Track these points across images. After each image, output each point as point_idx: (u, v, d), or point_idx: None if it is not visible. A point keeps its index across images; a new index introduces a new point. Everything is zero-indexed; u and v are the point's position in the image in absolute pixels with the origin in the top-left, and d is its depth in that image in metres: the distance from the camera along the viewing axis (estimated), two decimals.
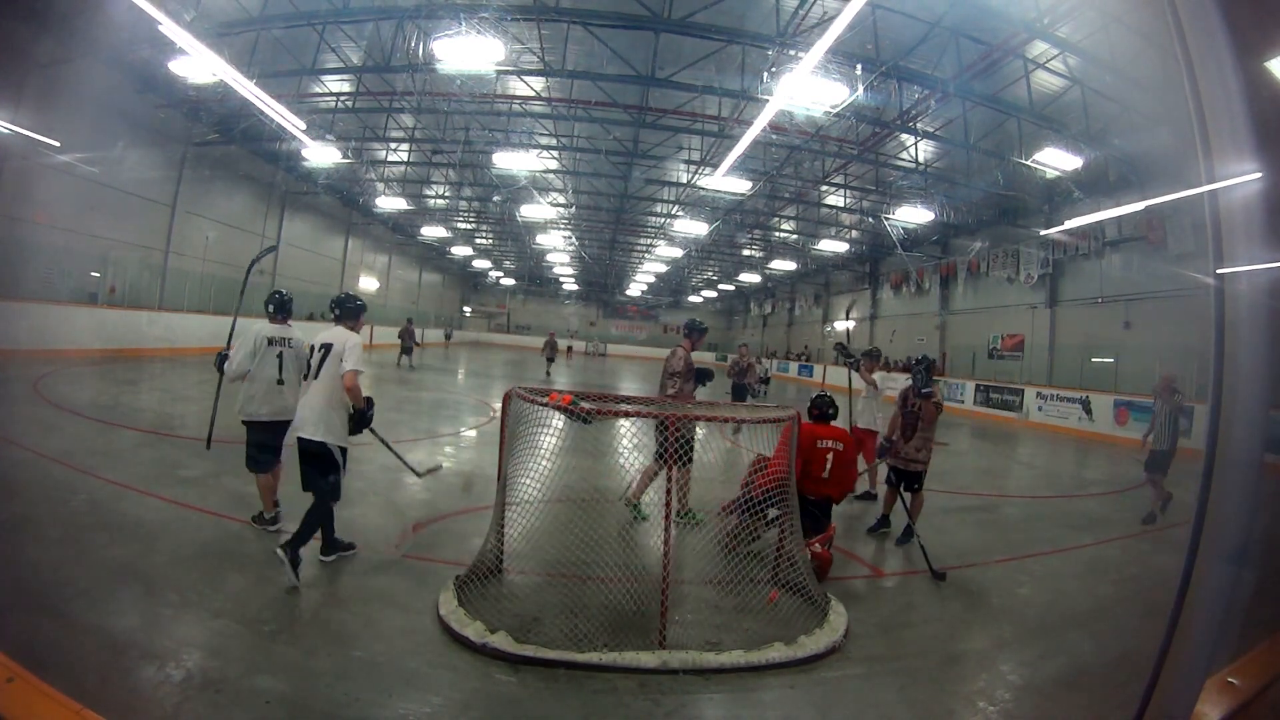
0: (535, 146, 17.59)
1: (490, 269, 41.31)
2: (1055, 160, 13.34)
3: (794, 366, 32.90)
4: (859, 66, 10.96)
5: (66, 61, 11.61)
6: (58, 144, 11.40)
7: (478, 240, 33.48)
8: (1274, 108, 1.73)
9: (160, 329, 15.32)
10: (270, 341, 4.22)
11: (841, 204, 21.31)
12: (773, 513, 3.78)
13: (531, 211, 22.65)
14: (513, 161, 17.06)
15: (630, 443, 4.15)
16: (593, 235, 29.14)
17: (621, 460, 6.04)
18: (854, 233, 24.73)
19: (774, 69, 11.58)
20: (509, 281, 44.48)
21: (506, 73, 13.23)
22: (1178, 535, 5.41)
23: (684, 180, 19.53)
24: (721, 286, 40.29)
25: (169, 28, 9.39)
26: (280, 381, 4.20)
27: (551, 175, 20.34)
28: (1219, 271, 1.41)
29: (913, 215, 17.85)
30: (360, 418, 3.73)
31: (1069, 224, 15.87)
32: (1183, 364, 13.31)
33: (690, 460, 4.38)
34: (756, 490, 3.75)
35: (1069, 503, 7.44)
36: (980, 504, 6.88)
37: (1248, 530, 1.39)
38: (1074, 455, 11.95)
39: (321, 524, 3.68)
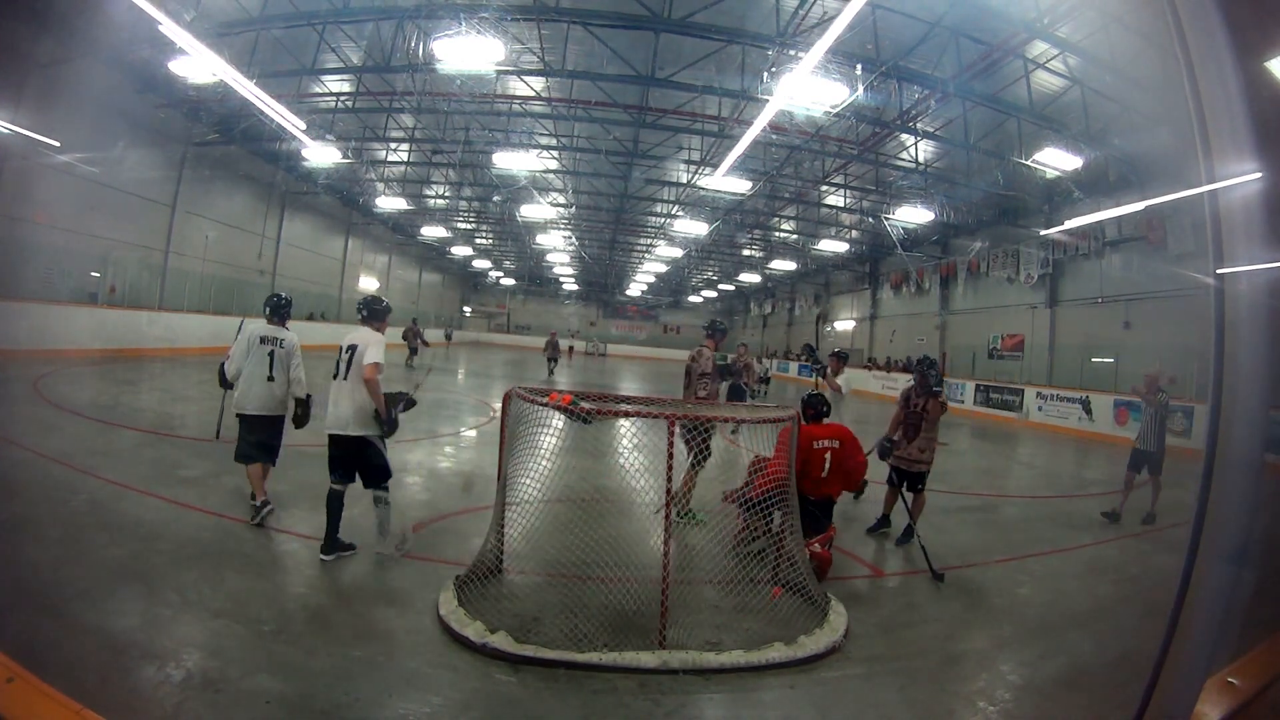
0: (535, 146, 17.58)
1: (490, 269, 41.31)
2: (1055, 160, 13.34)
3: (794, 366, 32.90)
4: (859, 66, 10.96)
5: (66, 61, 11.60)
6: (58, 144, 11.40)
7: (478, 240, 33.48)
8: (1274, 108, 1.73)
9: (160, 329, 15.33)
10: (262, 340, 4.41)
11: (841, 204, 21.31)
12: (777, 518, 3.78)
13: (531, 211, 22.65)
14: (513, 161, 17.06)
15: (630, 443, 4.14)
16: (593, 235, 29.13)
17: (621, 460, 6.05)
18: (854, 233, 24.73)
19: (774, 69, 11.57)
20: (509, 281, 44.48)
21: (506, 73, 13.23)
22: (1178, 535, 5.41)
23: (684, 180, 19.53)
24: (721, 286, 40.27)
25: (169, 28, 9.39)
26: (270, 378, 4.38)
27: (551, 175, 20.33)
28: (1219, 271, 1.41)
29: (913, 215, 17.85)
30: (387, 420, 3.86)
31: (1069, 224, 15.86)
32: (1183, 364, 13.36)
33: (704, 461, 4.44)
34: (756, 491, 3.76)
35: (1069, 503, 7.44)
36: (980, 504, 6.87)
37: (1248, 530, 1.38)
38: (1074, 455, 11.95)
39: (328, 521, 3.82)
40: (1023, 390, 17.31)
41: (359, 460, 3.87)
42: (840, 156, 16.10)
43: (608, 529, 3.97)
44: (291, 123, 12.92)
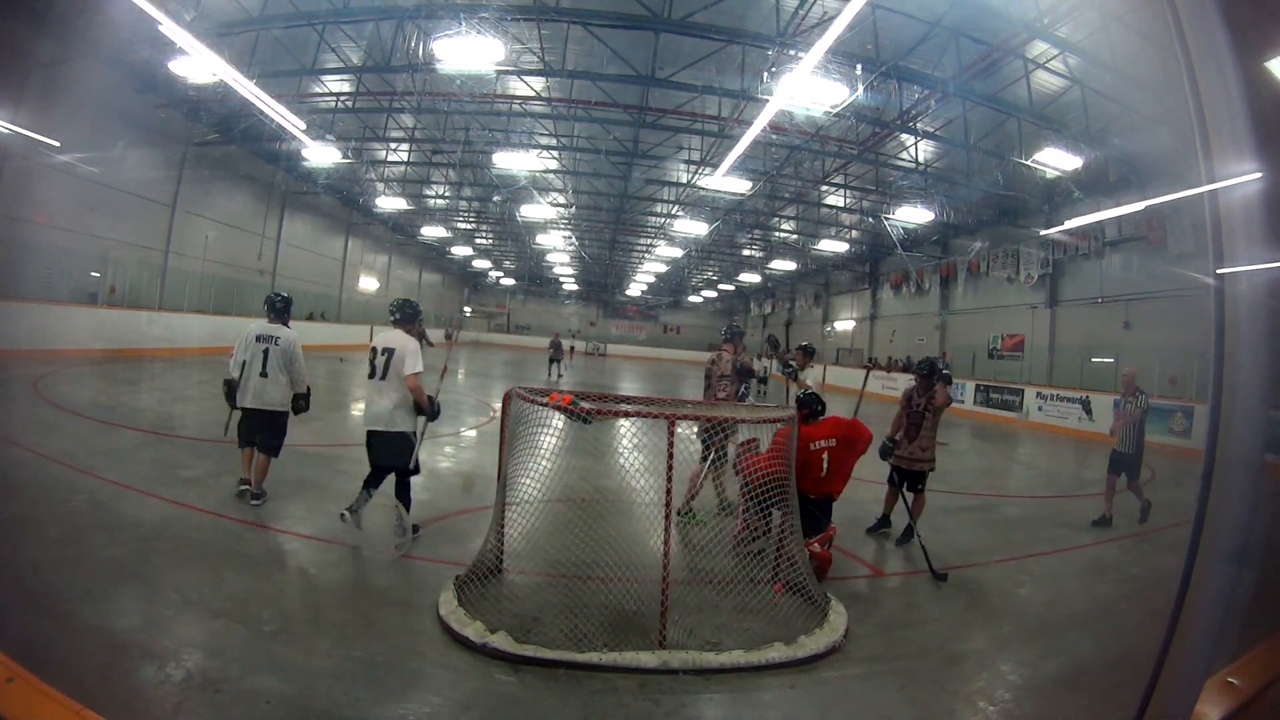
0: (535, 146, 17.58)
1: (490, 269, 41.29)
2: (1055, 160, 13.34)
3: None
4: (859, 66, 10.96)
5: (66, 61, 11.59)
6: (58, 144, 11.39)
7: (478, 240, 33.49)
8: (1274, 108, 1.73)
9: (160, 329, 15.32)
10: (259, 338, 4.63)
11: (841, 204, 21.31)
12: (777, 517, 3.78)
13: (531, 211, 22.66)
14: (513, 161, 17.07)
15: (630, 443, 4.14)
16: (593, 235, 29.14)
17: (621, 460, 6.05)
18: (854, 233, 24.73)
19: (774, 69, 11.57)
20: (509, 281, 44.48)
21: (506, 73, 13.23)
22: (1178, 535, 5.40)
23: (684, 180, 19.53)
24: (721, 286, 40.29)
25: (169, 28, 9.39)
26: (264, 374, 4.60)
27: (551, 175, 20.34)
28: (1219, 271, 1.41)
29: (913, 215, 17.86)
30: (430, 413, 4.18)
31: (1069, 224, 15.87)
32: (1183, 364, 13.36)
33: (719, 463, 4.49)
34: (747, 471, 3.75)
35: (1069, 503, 7.43)
36: (980, 504, 6.87)
37: (1248, 530, 1.38)
38: (1074, 455, 11.94)
39: (401, 501, 4.13)
40: (1023, 390, 17.32)
41: (392, 453, 4.12)
42: (840, 156, 16.10)
43: (608, 529, 3.97)
44: (291, 123, 12.92)
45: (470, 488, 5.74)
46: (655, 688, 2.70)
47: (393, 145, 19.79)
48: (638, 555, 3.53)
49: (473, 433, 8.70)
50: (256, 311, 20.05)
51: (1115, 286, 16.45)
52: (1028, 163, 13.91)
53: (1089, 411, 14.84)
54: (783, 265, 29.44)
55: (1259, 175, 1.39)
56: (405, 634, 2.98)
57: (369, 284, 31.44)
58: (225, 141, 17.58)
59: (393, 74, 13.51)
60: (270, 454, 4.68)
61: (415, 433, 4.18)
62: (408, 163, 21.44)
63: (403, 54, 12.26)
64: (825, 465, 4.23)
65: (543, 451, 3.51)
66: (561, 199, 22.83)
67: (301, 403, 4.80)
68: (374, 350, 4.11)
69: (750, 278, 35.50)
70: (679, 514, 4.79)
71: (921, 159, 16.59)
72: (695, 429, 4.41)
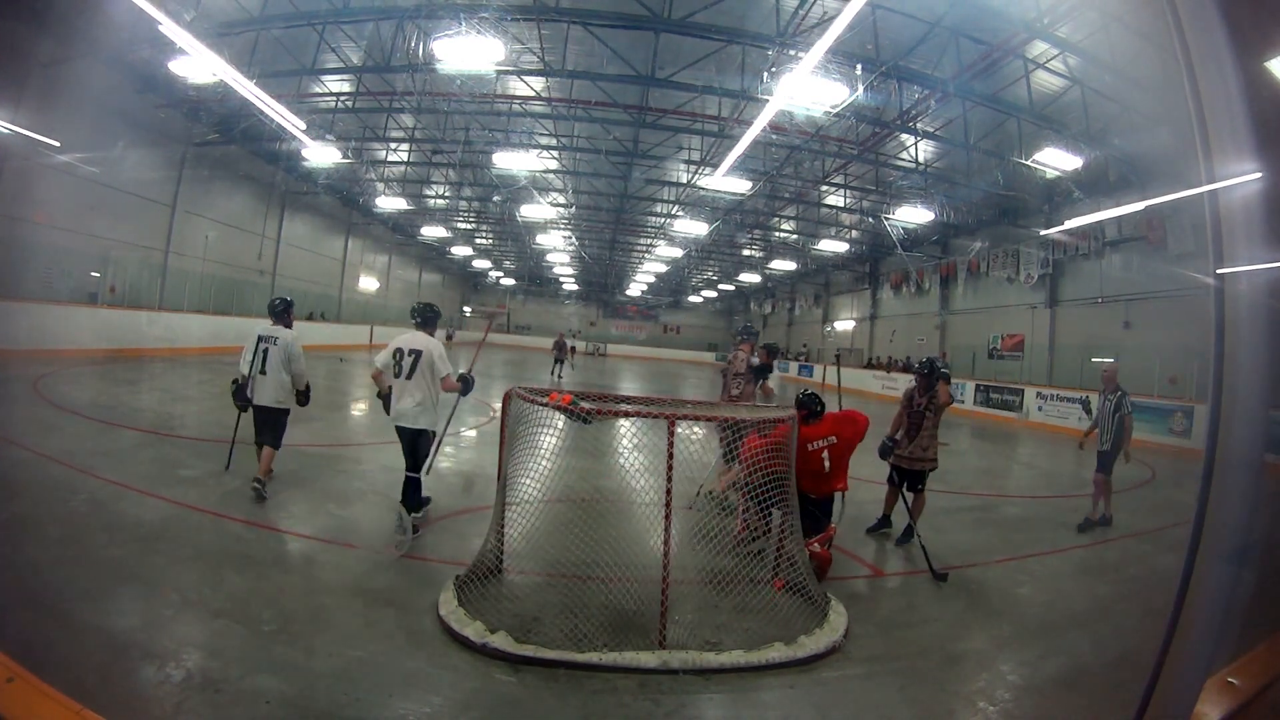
0: (535, 146, 17.58)
1: (490, 269, 41.28)
2: (1055, 160, 13.34)
3: (794, 366, 32.92)
4: (859, 66, 10.96)
5: (66, 61, 11.60)
6: (58, 144, 11.40)
7: (478, 240, 33.48)
8: (1274, 108, 1.73)
9: (160, 329, 15.32)
10: (261, 339, 4.93)
11: (841, 204, 21.31)
12: (777, 517, 3.78)
13: (531, 211, 22.66)
14: (513, 161, 17.06)
15: (630, 443, 4.14)
16: (593, 235, 29.14)
17: (621, 460, 6.05)
18: (854, 233, 24.73)
19: (774, 69, 11.57)
20: (509, 281, 44.47)
21: (506, 73, 13.23)
22: (1178, 535, 5.40)
23: (684, 180, 19.53)
24: (721, 286, 40.29)
25: (169, 28, 9.39)
26: (263, 372, 4.90)
27: (551, 175, 20.34)
28: (1219, 271, 1.41)
29: (913, 215, 17.86)
30: (465, 390, 4.59)
31: (1069, 224, 15.87)
32: (1183, 364, 13.36)
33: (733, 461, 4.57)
34: (745, 455, 3.74)
35: (1069, 503, 7.42)
36: (980, 504, 6.88)
37: (1248, 530, 1.38)
38: (1074, 455, 11.93)
39: (406, 495, 4.43)
40: (1023, 390, 17.32)
41: (414, 446, 4.42)
42: (840, 156, 16.10)
43: (608, 529, 3.97)
44: (291, 123, 12.93)
45: (470, 488, 5.74)
46: (655, 688, 2.70)
47: (393, 145, 19.79)
48: (638, 555, 3.53)
49: (473, 433, 8.71)
50: (256, 311, 20.12)
51: (1115, 286, 16.46)
52: (1028, 163, 13.91)
53: (1089, 411, 14.76)
54: (783, 265, 29.44)
55: (1259, 175, 1.39)
56: (405, 634, 2.97)
57: (369, 284, 31.44)
58: (225, 141, 17.58)
59: (393, 74, 13.50)
60: (274, 446, 4.94)
61: (436, 432, 4.51)
62: (408, 163, 21.44)
63: (403, 54, 12.26)
64: (826, 463, 4.23)
65: (543, 451, 3.51)
66: (561, 199, 22.83)
67: (301, 398, 5.10)
68: (400, 351, 4.41)
69: (750, 278, 35.51)
70: (711, 500, 4.91)
71: (921, 159, 16.59)
72: (718, 435, 4.52)
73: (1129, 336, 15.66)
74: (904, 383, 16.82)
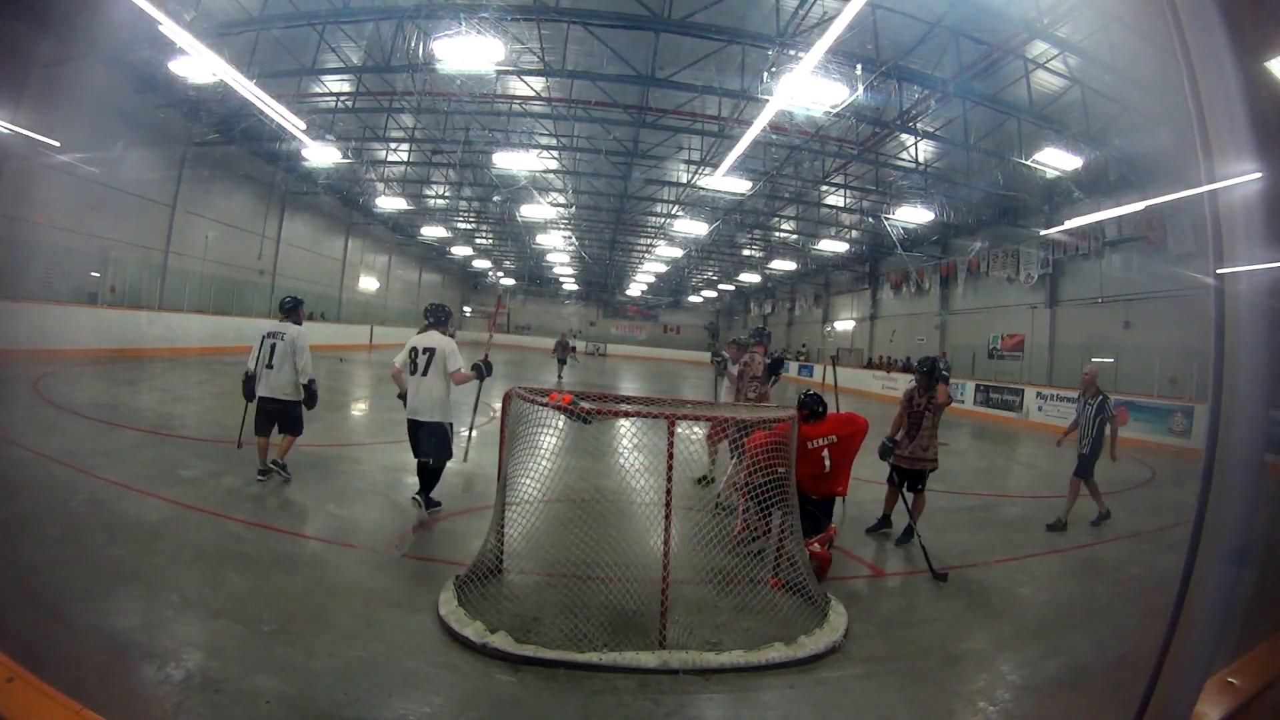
0: (535, 146, 17.58)
1: (490, 269, 41.26)
2: (1055, 160, 13.34)
3: (794, 366, 32.91)
4: (859, 66, 10.96)
5: (66, 61, 11.59)
6: (58, 144, 11.39)
7: (478, 240, 33.48)
8: (1274, 108, 1.73)
9: (160, 329, 15.33)
10: (268, 335, 5.17)
11: (841, 204, 21.31)
12: (777, 517, 3.78)
13: (531, 211, 22.65)
14: (513, 161, 17.06)
15: (630, 443, 4.14)
16: (593, 235, 29.13)
17: (621, 460, 6.05)
18: (854, 233, 24.73)
19: (774, 69, 11.57)
20: (509, 281, 44.46)
21: (506, 73, 13.23)
22: (1178, 535, 5.41)
23: (684, 180, 19.52)
24: (721, 286, 40.27)
25: (169, 28, 9.39)
26: (270, 365, 5.13)
27: (551, 175, 20.33)
28: (1219, 271, 1.41)
29: (913, 215, 17.85)
30: (483, 375, 4.97)
31: (1069, 224, 15.86)
32: (1183, 364, 13.36)
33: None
34: (749, 449, 3.74)
35: (1077, 500, 7.42)
36: (980, 504, 6.88)
37: (1248, 530, 1.38)
38: (1074, 455, 11.93)
39: (426, 480, 4.73)
40: (1023, 390, 17.32)
41: (431, 439, 4.64)
42: (840, 156, 16.09)
43: (608, 529, 3.97)
44: (291, 123, 12.92)
45: (470, 488, 5.74)
46: (655, 688, 2.70)
47: (393, 145, 19.78)
48: (638, 555, 3.53)
49: (473, 433, 8.69)
50: (256, 311, 20.15)
51: (1115, 286, 16.45)
52: (1028, 163, 13.91)
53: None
54: (783, 265, 29.43)
55: (1259, 175, 1.39)
56: (405, 634, 2.97)
57: (369, 284, 31.44)
58: (225, 141, 17.58)
59: (393, 74, 13.50)
60: (292, 434, 5.25)
61: (452, 424, 4.76)
62: (408, 163, 21.43)
63: (403, 54, 12.25)
64: (827, 462, 4.22)
65: (543, 451, 3.51)
66: (561, 199, 22.83)
67: (309, 398, 5.26)
68: (415, 350, 4.66)
69: (750, 278, 35.49)
70: (718, 498, 5.01)
71: (921, 159, 16.59)
72: (730, 438, 4.58)
73: (1129, 336, 15.66)
74: (904, 383, 16.82)
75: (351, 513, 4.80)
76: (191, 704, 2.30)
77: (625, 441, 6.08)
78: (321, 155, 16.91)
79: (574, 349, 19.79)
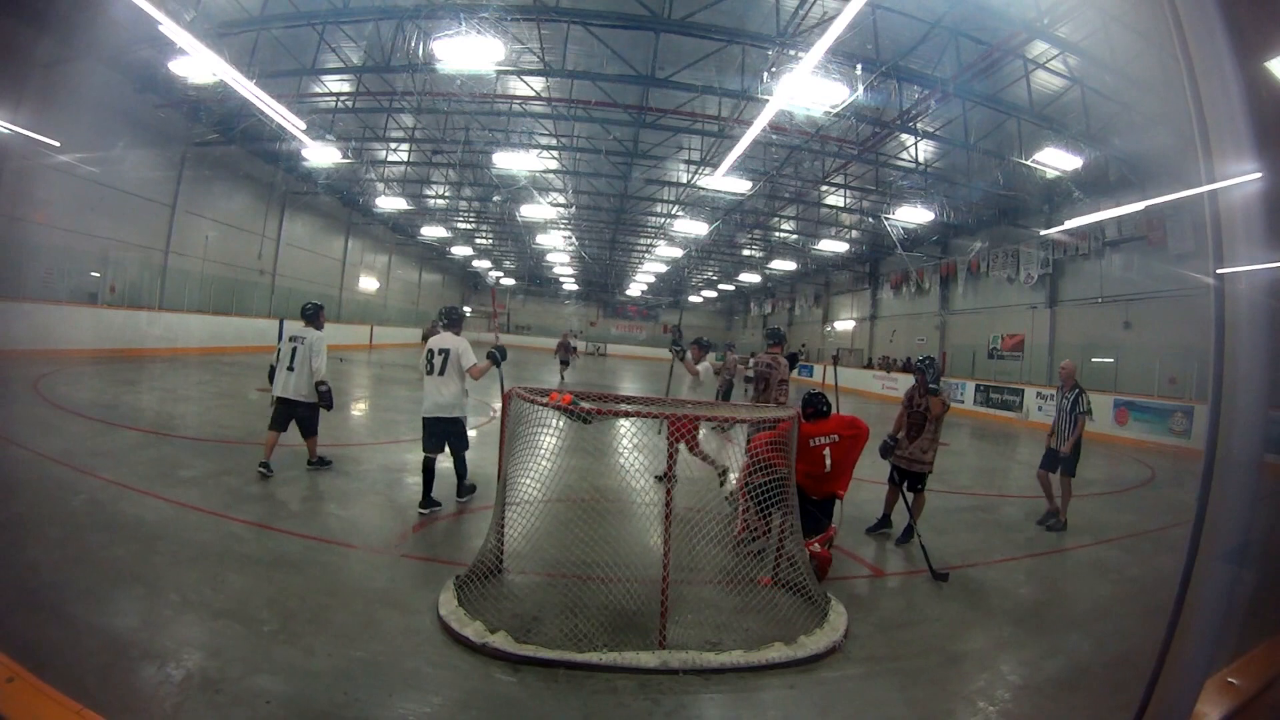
0: (535, 146, 17.58)
1: (490, 269, 41.25)
2: (1055, 160, 13.34)
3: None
4: (859, 66, 10.96)
5: (66, 61, 11.60)
6: (58, 144, 11.40)
7: (478, 240, 33.48)
8: (1274, 108, 1.73)
9: (160, 329, 15.33)
10: (291, 338, 5.51)
11: (841, 204, 21.31)
12: (777, 518, 3.78)
13: (531, 211, 22.66)
14: (513, 161, 17.05)
15: (630, 443, 4.15)
16: (593, 235, 29.14)
17: (621, 460, 6.05)
18: (854, 233, 24.74)
19: (774, 69, 11.57)
20: (509, 281, 44.46)
21: (506, 73, 13.23)
22: (1178, 535, 5.41)
23: (684, 180, 19.53)
24: (721, 286, 40.28)
25: (169, 28, 9.38)
26: (290, 368, 5.43)
27: (551, 175, 20.33)
28: (1219, 271, 1.41)
29: (913, 215, 17.85)
30: (498, 360, 5.03)
31: (1069, 224, 15.86)
32: (1183, 364, 13.37)
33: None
34: (753, 448, 3.74)
35: (1069, 502, 7.42)
36: (980, 504, 6.87)
37: (1248, 530, 1.38)
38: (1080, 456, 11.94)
39: (424, 483, 4.86)
40: (1023, 390, 17.32)
41: (451, 434, 4.92)
42: (840, 156, 16.09)
43: (608, 529, 3.97)
44: (291, 123, 12.92)
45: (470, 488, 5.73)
46: (655, 688, 2.70)
47: (393, 145, 19.78)
48: (638, 555, 3.53)
49: (473, 433, 8.69)
50: (256, 312, 20.11)
51: (1115, 286, 16.46)
52: (1028, 163, 13.91)
53: (1089, 412, 14.83)
54: (783, 265, 29.44)
55: (1259, 175, 1.39)
56: (405, 634, 2.97)
57: (369, 284, 31.44)
58: (225, 141, 17.57)
59: (393, 74, 13.49)
60: (305, 434, 5.57)
61: (466, 419, 5.03)
62: (408, 163, 21.43)
63: (403, 54, 12.25)
64: (828, 461, 4.22)
65: (543, 451, 3.51)
66: (561, 199, 22.83)
67: (323, 399, 5.52)
68: (431, 352, 4.87)
69: (750, 278, 35.50)
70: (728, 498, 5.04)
71: (921, 159, 16.60)
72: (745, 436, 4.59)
73: (1129, 336, 15.66)
74: (904, 383, 16.79)
75: (352, 513, 4.80)
76: (191, 704, 2.30)
77: (625, 441, 6.08)
78: (321, 155, 16.90)
79: (575, 349, 19.76)
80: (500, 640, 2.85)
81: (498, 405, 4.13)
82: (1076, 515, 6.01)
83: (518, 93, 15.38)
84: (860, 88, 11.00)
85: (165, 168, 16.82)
